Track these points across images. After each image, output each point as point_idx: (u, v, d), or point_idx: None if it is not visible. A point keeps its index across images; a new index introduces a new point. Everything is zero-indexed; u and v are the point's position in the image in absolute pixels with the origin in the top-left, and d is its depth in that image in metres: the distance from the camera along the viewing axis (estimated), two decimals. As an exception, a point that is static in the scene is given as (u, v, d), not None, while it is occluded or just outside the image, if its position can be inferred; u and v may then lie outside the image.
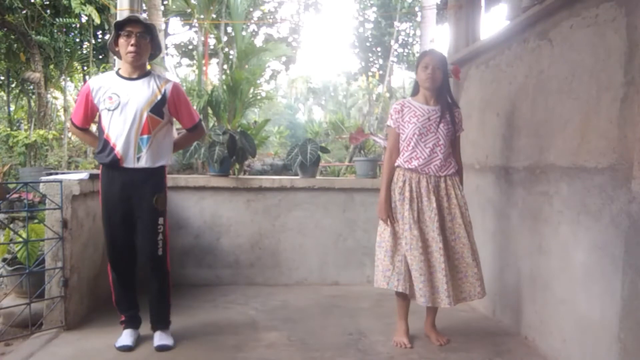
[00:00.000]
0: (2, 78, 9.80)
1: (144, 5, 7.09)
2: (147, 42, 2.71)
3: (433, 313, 2.93)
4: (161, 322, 2.85)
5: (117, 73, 2.78)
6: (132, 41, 2.64)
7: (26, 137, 6.12)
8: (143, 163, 2.68)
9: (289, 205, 4.22)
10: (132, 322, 2.85)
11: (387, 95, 14.93)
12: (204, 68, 7.45)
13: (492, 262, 3.42)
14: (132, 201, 2.71)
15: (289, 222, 4.22)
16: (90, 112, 2.77)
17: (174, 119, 2.88)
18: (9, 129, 7.80)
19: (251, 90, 7.85)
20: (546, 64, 2.79)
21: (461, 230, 2.78)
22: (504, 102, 3.30)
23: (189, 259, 4.18)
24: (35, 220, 3.39)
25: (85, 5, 7.33)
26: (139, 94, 2.69)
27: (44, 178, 3.05)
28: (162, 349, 2.72)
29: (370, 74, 17.42)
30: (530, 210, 2.93)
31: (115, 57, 3.92)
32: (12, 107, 10.35)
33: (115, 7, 4.59)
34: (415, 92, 2.90)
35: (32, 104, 9.16)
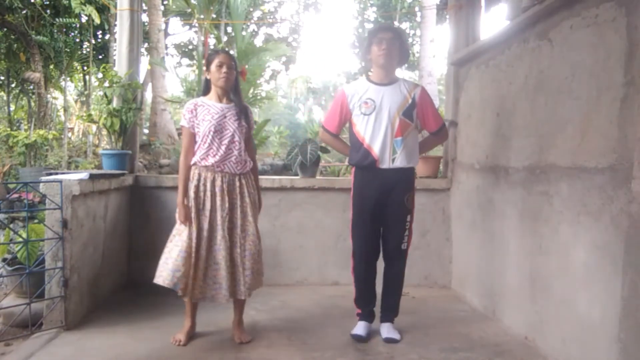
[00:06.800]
0: (2, 78, 9.80)
1: (144, 5, 7.08)
2: (396, 47, 2.92)
3: (237, 311, 2.92)
4: (393, 312, 3.05)
5: (368, 79, 3.01)
6: (383, 46, 2.87)
7: (26, 137, 6.10)
8: (398, 164, 2.89)
9: (289, 205, 4.22)
10: (369, 316, 3.04)
11: (387, 95, 14.90)
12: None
13: (492, 262, 3.42)
14: (385, 199, 2.91)
15: (289, 222, 4.22)
16: (344, 118, 2.99)
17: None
18: (9, 129, 7.80)
19: (251, 90, 7.83)
20: (546, 64, 2.79)
21: (251, 227, 2.81)
22: (504, 102, 3.30)
23: (189, 259, 4.17)
24: (35, 220, 3.39)
25: (85, 5, 7.32)
26: (391, 99, 2.89)
27: (44, 178, 3.04)
28: (390, 341, 2.90)
29: (370, 73, 17.39)
30: (530, 210, 2.93)
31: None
32: (12, 107, 10.35)
33: (115, 7, 4.59)
34: (206, 91, 2.90)
35: (32, 104, 9.17)
